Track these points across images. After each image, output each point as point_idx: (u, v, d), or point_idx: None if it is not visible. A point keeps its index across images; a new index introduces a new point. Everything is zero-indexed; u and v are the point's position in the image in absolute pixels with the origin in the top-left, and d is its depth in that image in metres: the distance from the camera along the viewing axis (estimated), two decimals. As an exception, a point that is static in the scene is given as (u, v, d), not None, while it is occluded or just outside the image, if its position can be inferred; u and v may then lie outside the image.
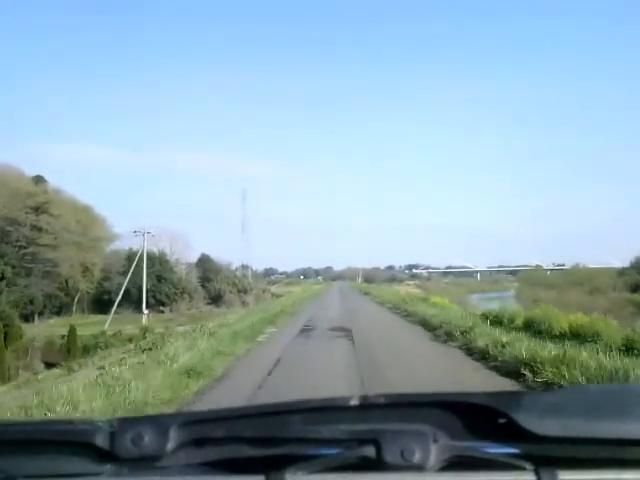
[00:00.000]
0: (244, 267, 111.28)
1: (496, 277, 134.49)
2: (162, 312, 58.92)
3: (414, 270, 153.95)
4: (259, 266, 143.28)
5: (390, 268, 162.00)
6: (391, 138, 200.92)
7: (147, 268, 58.09)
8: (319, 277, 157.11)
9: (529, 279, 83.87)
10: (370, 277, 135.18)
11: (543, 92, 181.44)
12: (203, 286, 70.27)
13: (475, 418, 1.11)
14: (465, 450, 1.08)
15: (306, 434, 1.10)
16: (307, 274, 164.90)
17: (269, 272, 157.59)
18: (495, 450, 1.08)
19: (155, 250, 65.62)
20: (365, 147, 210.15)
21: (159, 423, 1.11)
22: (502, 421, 1.09)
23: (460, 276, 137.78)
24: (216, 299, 68.40)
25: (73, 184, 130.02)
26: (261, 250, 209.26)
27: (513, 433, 1.07)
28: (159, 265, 62.23)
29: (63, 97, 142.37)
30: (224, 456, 1.10)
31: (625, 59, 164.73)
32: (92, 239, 57.60)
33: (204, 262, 75.36)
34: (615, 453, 1.07)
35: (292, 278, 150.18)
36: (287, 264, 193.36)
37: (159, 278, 61.31)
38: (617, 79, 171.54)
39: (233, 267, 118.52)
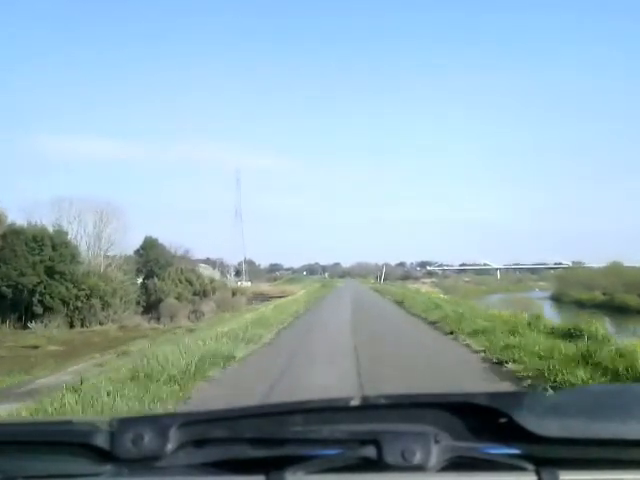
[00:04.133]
0: (242, 262, 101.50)
1: (518, 276, 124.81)
2: (27, 328, 35.23)
3: (428, 267, 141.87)
4: (264, 262, 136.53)
5: (401, 265, 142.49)
6: (402, 132, 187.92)
7: (33, 254, 34.90)
8: (325, 274, 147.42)
9: (565, 278, 73.17)
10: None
11: (561, 83, 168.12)
12: (145, 286, 46.35)
13: (476, 419, 1.08)
14: (466, 450, 1.05)
15: (306, 434, 1.08)
16: (314, 270, 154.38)
17: (274, 268, 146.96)
18: (496, 450, 1.05)
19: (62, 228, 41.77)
20: (376, 141, 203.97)
21: (159, 423, 1.09)
22: (503, 421, 1.06)
23: (477, 274, 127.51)
24: (155, 305, 44.36)
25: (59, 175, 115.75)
26: (266, 246, 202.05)
27: (514, 433, 1.04)
28: (52, 250, 38.20)
29: (52, 88, 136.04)
30: (224, 456, 1.07)
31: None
32: None
33: (148, 249, 50.89)
34: (616, 454, 1.05)
35: (297, 274, 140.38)
36: (293, 260, 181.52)
37: (50, 271, 37.68)
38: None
39: (235, 262, 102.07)
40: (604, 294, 54.54)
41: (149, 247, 52.23)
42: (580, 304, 50.23)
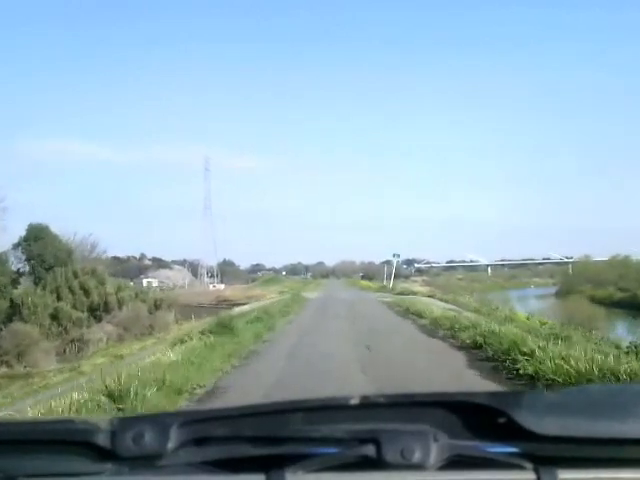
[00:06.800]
0: (219, 263, 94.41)
1: (509, 272, 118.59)
2: None
3: (415, 265, 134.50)
4: (245, 262, 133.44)
5: (387, 262, 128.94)
6: (387, 129, 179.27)
7: None
8: (308, 274, 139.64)
9: (570, 274, 69.20)
10: (370, 273, 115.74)
11: (553, 79, 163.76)
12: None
13: (475, 417, 1.07)
14: (465, 449, 1.05)
15: (306, 433, 1.08)
16: (297, 270, 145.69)
17: (255, 269, 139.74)
18: (495, 449, 1.05)
19: None
20: (359, 140, 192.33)
21: (160, 422, 1.08)
22: (502, 420, 1.05)
23: (465, 271, 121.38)
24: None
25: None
26: (248, 246, 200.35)
27: (513, 432, 1.04)
28: None
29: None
30: (225, 455, 1.07)
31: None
32: None
33: (33, 242, 34.88)
34: (615, 452, 1.05)
35: (276, 275, 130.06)
36: (276, 260, 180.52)
37: None
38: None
39: (214, 263, 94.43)
40: (619, 290, 50.03)
41: (34, 239, 35.03)
42: (594, 302, 45.07)
